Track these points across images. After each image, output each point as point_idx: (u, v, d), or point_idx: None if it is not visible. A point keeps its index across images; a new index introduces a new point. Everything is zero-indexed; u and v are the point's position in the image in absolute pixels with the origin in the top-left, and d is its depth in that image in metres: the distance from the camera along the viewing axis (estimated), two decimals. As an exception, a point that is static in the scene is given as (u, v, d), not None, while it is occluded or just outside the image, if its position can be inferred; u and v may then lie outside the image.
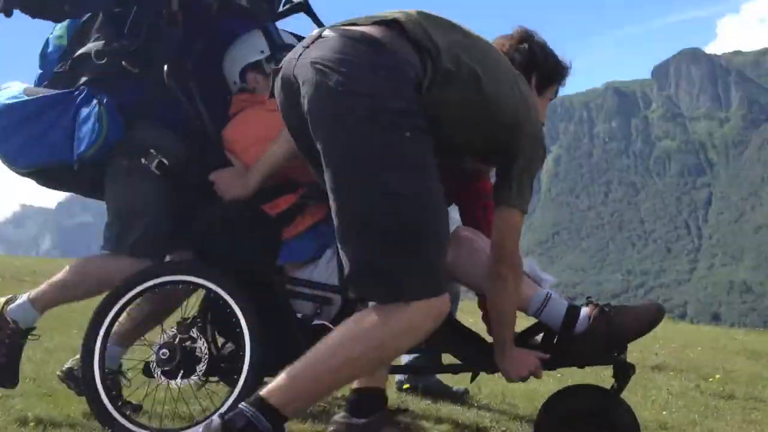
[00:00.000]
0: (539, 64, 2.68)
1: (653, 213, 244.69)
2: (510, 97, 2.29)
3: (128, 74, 2.78)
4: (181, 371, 2.63)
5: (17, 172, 2.92)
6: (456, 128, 2.20)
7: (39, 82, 3.00)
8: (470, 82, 2.15)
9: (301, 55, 2.10)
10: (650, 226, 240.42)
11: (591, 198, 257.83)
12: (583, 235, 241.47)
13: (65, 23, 2.96)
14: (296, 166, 2.55)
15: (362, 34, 2.06)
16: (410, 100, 2.01)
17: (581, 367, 2.81)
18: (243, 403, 2.01)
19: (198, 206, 2.86)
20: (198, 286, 2.72)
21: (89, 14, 2.91)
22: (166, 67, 2.77)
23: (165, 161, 2.79)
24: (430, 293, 1.97)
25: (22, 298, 2.96)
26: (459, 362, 2.82)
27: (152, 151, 2.77)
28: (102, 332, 2.70)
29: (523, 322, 2.65)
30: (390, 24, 2.11)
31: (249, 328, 2.58)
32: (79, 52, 2.86)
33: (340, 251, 2.06)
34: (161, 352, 2.66)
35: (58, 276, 2.98)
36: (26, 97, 2.81)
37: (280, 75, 2.18)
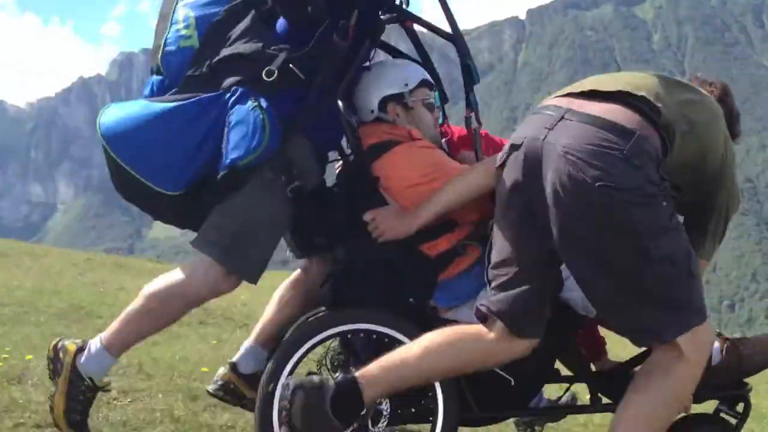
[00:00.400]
0: (731, 124, 2.60)
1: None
2: (720, 148, 2.39)
3: (287, 82, 2.57)
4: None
5: (164, 195, 2.56)
6: (682, 181, 2.32)
7: (161, 91, 2.70)
8: (698, 137, 2.29)
9: (545, 138, 2.19)
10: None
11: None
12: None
13: (190, 22, 2.66)
14: (460, 209, 2.65)
15: (611, 124, 2.15)
16: (660, 177, 2.15)
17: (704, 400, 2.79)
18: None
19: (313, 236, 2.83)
20: (383, 334, 2.60)
21: (223, 14, 2.67)
22: (338, 83, 2.68)
23: (301, 185, 2.60)
24: (702, 320, 2.18)
25: (96, 345, 2.61)
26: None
27: (294, 171, 2.59)
28: (287, 370, 2.51)
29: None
30: (630, 100, 2.21)
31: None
32: (228, 53, 2.59)
33: (614, 319, 2.31)
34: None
35: (134, 307, 2.64)
36: (171, 104, 2.53)
37: (522, 152, 2.25)
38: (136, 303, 2.64)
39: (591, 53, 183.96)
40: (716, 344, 2.76)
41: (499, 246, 2.40)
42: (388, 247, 2.67)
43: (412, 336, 2.51)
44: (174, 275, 2.65)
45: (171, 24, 2.68)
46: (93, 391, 2.60)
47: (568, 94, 2.34)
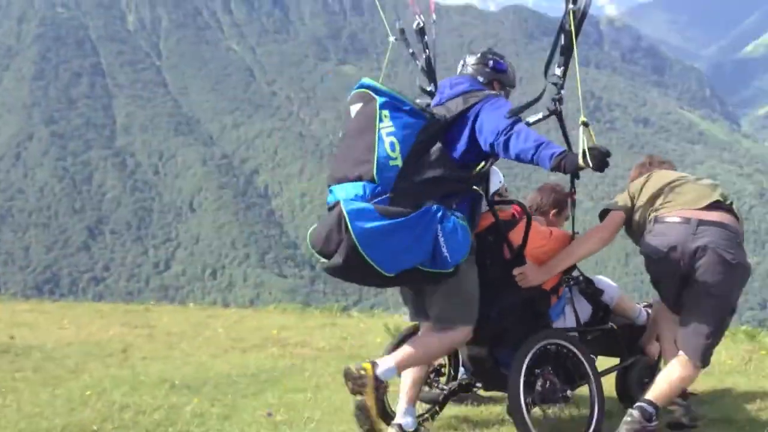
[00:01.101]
0: None
1: None
2: None
3: (466, 192, 3.98)
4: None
5: (382, 275, 3.65)
6: None
7: (374, 195, 3.69)
8: None
9: (694, 234, 4.01)
10: None
11: None
12: None
13: (396, 147, 3.74)
14: None
15: (729, 227, 4.06)
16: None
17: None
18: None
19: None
20: (565, 348, 4.23)
21: (417, 141, 3.81)
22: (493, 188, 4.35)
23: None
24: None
25: (389, 363, 3.85)
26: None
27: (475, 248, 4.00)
28: (523, 370, 3.99)
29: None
30: (722, 204, 4.18)
31: (592, 371, 4.20)
32: (428, 175, 3.80)
33: (686, 337, 4.10)
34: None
35: (416, 349, 3.97)
36: (402, 219, 3.60)
37: (678, 250, 4.01)
38: (416, 346, 4.00)
39: (64, 30, 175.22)
40: (643, 311, 5.08)
41: (664, 294, 4.32)
42: (530, 290, 4.23)
43: (579, 348, 4.29)
44: (441, 335, 3.99)
45: (378, 146, 3.73)
46: (385, 390, 3.82)
47: (686, 209, 4.15)
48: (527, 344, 4.06)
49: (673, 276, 4.11)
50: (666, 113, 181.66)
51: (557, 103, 4.14)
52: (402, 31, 5.09)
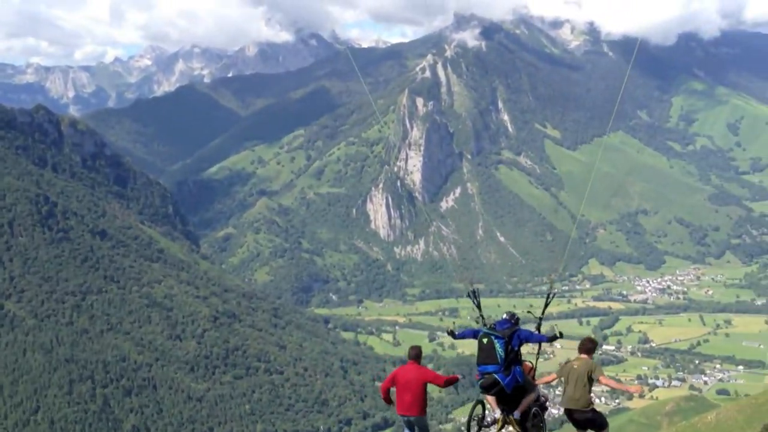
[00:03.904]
0: None
1: None
2: None
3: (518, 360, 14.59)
4: None
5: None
6: None
7: (496, 367, 14.15)
8: None
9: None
10: None
11: None
12: None
13: (500, 352, 14.01)
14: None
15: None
16: None
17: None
18: None
19: None
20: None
21: (503, 342, 13.98)
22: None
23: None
24: None
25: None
26: None
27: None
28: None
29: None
30: None
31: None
32: (511, 357, 14.32)
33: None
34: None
35: None
36: (516, 375, 14.56)
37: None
38: None
39: None
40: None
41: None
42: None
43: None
44: None
45: (498, 353, 14.04)
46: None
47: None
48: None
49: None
50: (126, 227, 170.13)
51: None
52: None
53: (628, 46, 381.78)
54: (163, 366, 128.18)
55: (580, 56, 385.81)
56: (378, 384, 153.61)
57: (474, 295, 15.14)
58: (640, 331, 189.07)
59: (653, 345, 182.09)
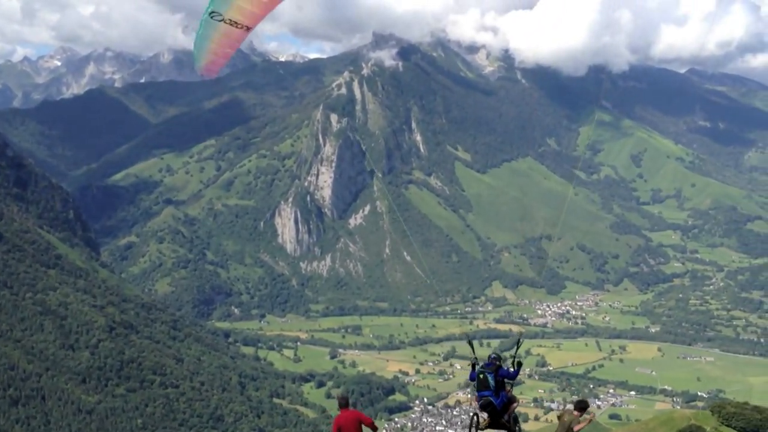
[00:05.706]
0: None
1: None
2: None
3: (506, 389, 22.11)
4: None
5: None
6: None
7: (490, 391, 21.50)
8: None
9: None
10: None
11: None
12: None
13: (492, 383, 21.48)
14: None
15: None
16: None
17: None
18: None
19: None
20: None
21: (489, 374, 21.73)
22: None
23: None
24: None
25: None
26: None
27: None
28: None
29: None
30: None
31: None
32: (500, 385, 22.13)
33: None
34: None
35: None
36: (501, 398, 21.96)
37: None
38: None
39: None
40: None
41: None
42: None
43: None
44: None
45: (490, 383, 21.37)
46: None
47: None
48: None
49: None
50: (24, 231, 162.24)
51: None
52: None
53: (540, 74, 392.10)
54: (53, 376, 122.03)
55: (493, 81, 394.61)
56: (276, 401, 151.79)
57: (470, 344, 23.27)
58: (538, 354, 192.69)
59: (550, 368, 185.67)
